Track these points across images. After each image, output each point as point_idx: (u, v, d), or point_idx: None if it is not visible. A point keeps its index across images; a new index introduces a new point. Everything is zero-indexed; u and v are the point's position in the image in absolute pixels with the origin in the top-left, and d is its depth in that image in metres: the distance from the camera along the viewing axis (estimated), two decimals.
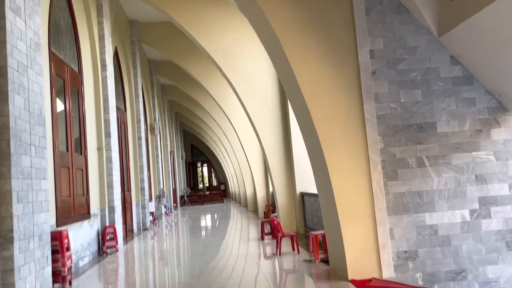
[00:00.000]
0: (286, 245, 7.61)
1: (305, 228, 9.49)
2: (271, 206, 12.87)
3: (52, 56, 6.90)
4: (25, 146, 4.96)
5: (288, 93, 5.69)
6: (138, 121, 13.85)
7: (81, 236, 7.75)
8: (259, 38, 5.82)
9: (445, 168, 5.15)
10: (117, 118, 11.28)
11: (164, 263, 7.66)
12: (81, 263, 7.60)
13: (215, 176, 43.79)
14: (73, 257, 7.23)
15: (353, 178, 5.06)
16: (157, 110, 18.35)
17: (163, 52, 13.96)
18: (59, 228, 6.52)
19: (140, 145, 13.75)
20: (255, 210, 17.71)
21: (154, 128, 17.76)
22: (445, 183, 5.13)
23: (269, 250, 7.94)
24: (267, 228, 9.28)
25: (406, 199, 5.09)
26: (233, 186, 29.34)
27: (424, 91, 5.21)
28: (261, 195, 14.35)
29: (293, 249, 7.28)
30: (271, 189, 14.16)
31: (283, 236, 7.06)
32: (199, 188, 41.14)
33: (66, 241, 6.03)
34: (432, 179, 5.13)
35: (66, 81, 7.52)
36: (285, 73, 5.45)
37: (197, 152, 41.78)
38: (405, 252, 5.03)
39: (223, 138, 22.59)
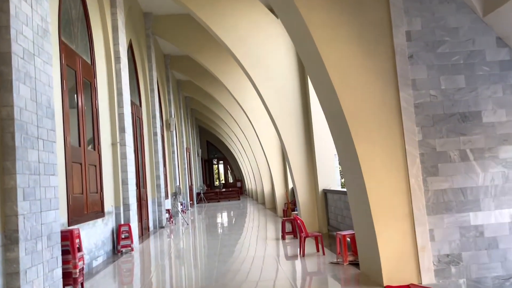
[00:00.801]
0: (309, 245, 7.15)
1: (328, 227, 9.01)
2: (291, 203, 12.41)
3: (63, 46, 6.56)
4: (32, 139, 4.61)
5: (314, 80, 5.22)
6: (154, 117, 13.53)
7: (95, 235, 7.43)
8: (280, 19, 5.36)
9: (491, 162, 4.61)
10: (132, 113, 10.96)
11: (181, 264, 7.28)
12: (94, 263, 7.27)
13: (231, 173, 43.52)
14: (86, 257, 6.91)
15: (388, 173, 4.57)
16: (172, 106, 18.04)
17: (178, 45, 13.60)
18: (70, 227, 6.18)
19: (155, 141, 13.43)
20: (273, 208, 17.27)
21: (169, 124, 17.46)
22: (491, 179, 4.60)
23: (291, 250, 7.49)
24: (288, 227, 8.83)
25: (448, 197, 4.58)
26: (250, 183, 28.95)
27: (468, 77, 4.68)
28: (279, 192, 13.90)
29: (318, 250, 6.82)
30: (290, 186, 13.70)
31: (307, 236, 6.60)
32: (215, 185, 40.90)
33: (77, 240, 5.68)
34: (477, 174, 4.60)
35: (77, 73, 7.18)
36: (310, 57, 4.98)
37: (213, 149, 41.53)
38: (447, 255, 4.52)
39: (240, 134, 22.19)
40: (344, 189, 8.03)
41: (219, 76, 13.71)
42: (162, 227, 12.95)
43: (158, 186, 13.27)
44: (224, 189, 31.14)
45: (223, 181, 42.68)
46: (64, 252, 5.42)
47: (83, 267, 5.77)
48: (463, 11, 4.72)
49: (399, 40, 4.65)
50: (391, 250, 4.53)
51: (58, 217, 5.16)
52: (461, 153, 4.62)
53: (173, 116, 17.84)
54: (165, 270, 6.87)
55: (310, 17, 4.63)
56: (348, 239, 5.83)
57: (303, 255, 6.58)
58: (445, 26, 4.71)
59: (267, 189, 17.89)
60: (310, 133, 9.42)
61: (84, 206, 6.98)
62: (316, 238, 6.82)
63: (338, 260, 5.90)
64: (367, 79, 4.63)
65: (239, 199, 27.03)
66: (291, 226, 8.67)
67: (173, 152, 17.68)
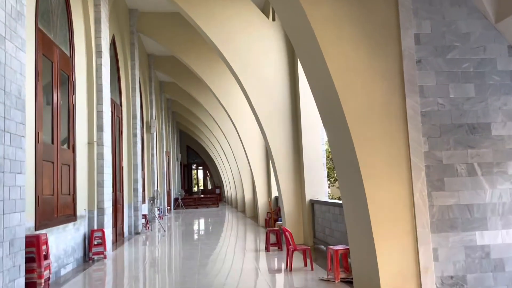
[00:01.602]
0: (296, 259, 6.73)
1: (313, 240, 8.63)
2: (274, 213, 12.00)
3: (39, 34, 6.03)
4: None
5: (314, 82, 4.85)
6: (134, 117, 12.96)
7: (65, 241, 6.84)
8: (278, 14, 4.98)
9: (500, 178, 4.32)
10: (112, 111, 10.39)
11: (158, 276, 6.76)
12: (63, 272, 6.68)
13: (210, 180, 42.84)
14: (54, 264, 6.33)
15: (391, 186, 4.21)
16: (154, 108, 17.47)
17: (164, 44, 13.10)
18: (38, 232, 5.61)
19: (135, 143, 12.85)
20: (254, 217, 16.82)
21: (150, 126, 16.86)
22: (499, 196, 4.30)
23: (277, 264, 7.06)
24: (272, 239, 8.42)
25: (454, 214, 4.25)
26: (230, 190, 28.42)
27: (478, 86, 4.39)
28: (262, 201, 13.48)
29: (305, 265, 6.42)
30: (273, 195, 13.30)
31: (295, 249, 6.19)
32: (194, 191, 40.14)
33: (44, 247, 5.14)
34: (484, 190, 4.30)
35: (54, 64, 6.64)
36: (311, 57, 4.61)
37: (192, 154, 40.81)
38: (451, 277, 4.18)
39: (222, 139, 21.71)
40: (334, 201, 7.68)
41: (204, 79, 13.26)
42: (137, 233, 12.34)
43: (136, 190, 12.67)
44: (202, 196, 30.50)
45: (202, 187, 41.96)
46: (29, 260, 4.86)
47: (49, 277, 5.22)
48: (475, 16, 4.45)
49: (407, 43, 4.33)
50: (391, 269, 4.16)
51: (24, 221, 4.62)
52: (469, 167, 4.31)
53: (154, 118, 17.26)
54: (140, 282, 6.34)
55: (314, 13, 4.27)
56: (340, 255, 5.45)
57: (290, 270, 6.16)
58: (456, 31, 4.42)
59: (248, 197, 17.44)
60: (298, 141, 9.06)
61: (54, 209, 6.40)
62: (304, 251, 6.42)
63: (329, 277, 5.51)
64: (372, 83, 4.29)
65: (218, 206, 26.47)
66: (275, 237, 8.25)
67: (152, 155, 17.07)
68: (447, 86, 4.36)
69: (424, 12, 4.40)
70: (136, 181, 12.69)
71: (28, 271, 4.81)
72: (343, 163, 4.66)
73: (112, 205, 10.04)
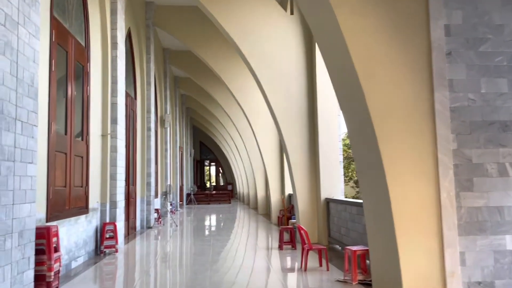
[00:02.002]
0: (310, 259, 6.53)
1: (328, 239, 8.42)
2: (287, 211, 11.80)
3: (54, 22, 5.92)
4: (8, 119, 3.97)
5: (336, 75, 4.63)
6: (148, 111, 12.88)
7: (76, 233, 6.76)
8: (300, 4, 4.76)
9: None
10: (126, 104, 10.30)
11: (169, 271, 6.63)
12: (74, 264, 6.60)
13: (223, 176, 42.81)
14: (65, 257, 6.24)
15: (417, 185, 3.99)
16: (168, 102, 17.39)
17: (180, 38, 12.98)
18: (48, 224, 5.52)
19: (149, 137, 12.77)
20: (266, 214, 16.65)
21: (164, 120, 16.79)
22: None
23: (291, 263, 6.88)
24: (286, 237, 8.24)
25: (483, 216, 4.01)
26: (242, 187, 28.30)
27: (511, 81, 4.13)
28: (275, 198, 13.29)
29: (320, 265, 6.22)
30: (287, 193, 13.11)
31: (311, 248, 5.99)
32: (206, 187, 40.15)
33: (55, 239, 5.03)
34: None
35: (69, 54, 6.54)
36: (334, 49, 4.40)
37: (205, 150, 40.81)
38: (479, 283, 3.94)
39: (236, 136, 21.57)
40: (351, 200, 7.46)
41: (220, 74, 13.11)
42: (149, 227, 12.27)
43: (148, 184, 12.60)
44: (214, 192, 30.42)
45: (214, 184, 41.95)
46: (39, 252, 4.76)
47: (59, 270, 5.11)
48: (509, 7, 4.18)
49: (437, 35, 4.09)
50: (415, 272, 3.94)
51: (34, 212, 4.51)
52: (500, 167, 4.06)
53: (168, 113, 17.18)
54: (151, 278, 6.21)
55: (338, 2, 4.06)
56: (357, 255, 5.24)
57: (305, 269, 5.96)
58: (489, 22, 4.16)
59: (260, 194, 17.27)
60: (315, 138, 8.84)
61: (66, 201, 6.31)
62: (319, 251, 6.22)
63: (346, 278, 5.30)
64: (399, 76, 4.06)
65: (229, 203, 26.36)
66: (289, 235, 8.06)
67: (166, 150, 17.01)
68: (478, 80, 4.11)
69: (455, 2, 4.15)
70: (149, 175, 12.62)
71: (38, 263, 4.71)
72: (365, 160, 4.44)
73: (125, 198, 9.96)
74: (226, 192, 28.77)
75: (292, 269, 6.26)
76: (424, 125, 4.03)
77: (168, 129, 17.38)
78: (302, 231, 6.12)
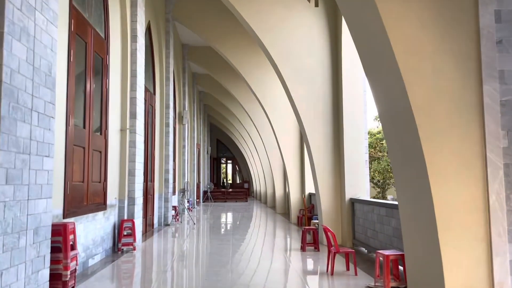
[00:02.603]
0: (337, 262, 6.20)
1: (352, 241, 8.06)
2: (308, 211, 11.46)
3: (73, 11, 5.72)
4: (23, 110, 3.76)
5: (371, 67, 4.30)
6: (167, 107, 12.70)
7: (94, 230, 6.57)
8: None
9: None
10: (145, 99, 10.13)
11: (188, 271, 6.38)
12: (91, 262, 6.41)
13: (239, 174, 42.65)
14: (82, 254, 6.05)
15: (462, 186, 3.63)
16: (186, 99, 17.22)
17: (199, 33, 12.73)
18: (65, 220, 5.32)
19: (167, 133, 12.59)
20: (285, 213, 16.35)
21: (182, 117, 16.63)
22: None
23: (315, 266, 6.56)
24: (309, 238, 7.93)
25: None
26: (258, 185, 28.03)
27: None
28: (295, 197, 12.98)
29: (347, 269, 5.88)
30: (307, 192, 12.77)
31: (338, 252, 5.67)
32: (222, 184, 40.05)
33: (71, 237, 4.82)
34: None
35: (88, 45, 6.34)
36: (371, 38, 4.06)
37: (222, 147, 40.72)
38: None
39: (254, 133, 21.29)
40: (379, 200, 7.09)
41: (239, 68, 12.83)
42: (167, 224, 12.09)
43: (166, 180, 12.43)
44: (231, 189, 30.23)
45: (230, 181, 41.81)
46: (55, 250, 4.56)
47: (75, 269, 4.91)
48: None
49: (486, 21, 3.72)
50: (459, 281, 3.59)
51: (50, 208, 4.30)
52: None
53: (186, 109, 17.01)
54: (168, 277, 5.97)
55: None
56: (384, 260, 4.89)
57: (332, 273, 5.64)
58: None
59: (279, 193, 16.96)
60: (339, 135, 8.49)
61: (84, 197, 6.12)
62: (347, 254, 5.88)
63: (377, 284, 4.96)
64: (443, 67, 3.71)
65: (246, 201, 26.12)
66: (313, 236, 7.74)
67: (184, 147, 16.84)
68: None
69: None
70: (167, 171, 12.44)
71: (54, 261, 4.51)
72: (403, 158, 4.10)
73: (143, 195, 9.79)
74: (242, 190, 28.53)
75: (317, 273, 5.94)
76: (471, 120, 3.67)
77: (186, 125, 17.21)
78: (328, 233, 5.80)
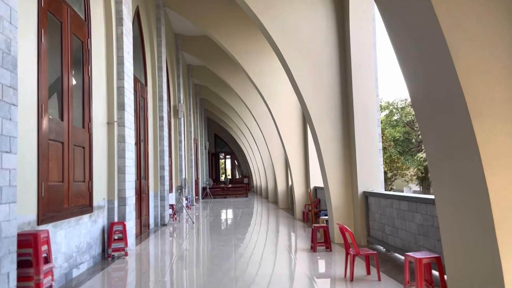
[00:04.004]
0: (356, 265, 5.46)
1: (367, 239, 7.33)
2: (314, 206, 10.72)
3: None
4: None
5: (409, 53, 3.52)
6: (161, 99, 11.90)
7: (78, 236, 5.81)
8: None
9: None
10: (135, 90, 9.34)
11: (188, 281, 5.63)
12: (75, 273, 5.65)
13: (238, 169, 41.92)
14: (65, 264, 5.29)
15: None
16: (182, 91, 16.40)
17: (193, 20, 11.91)
18: (41, 227, 4.56)
19: (161, 127, 11.80)
20: (288, 208, 15.62)
21: (178, 110, 15.83)
22: None
23: (330, 269, 5.83)
24: (319, 236, 7.20)
25: None
26: (259, 179, 27.30)
27: None
28: (299, 191, 12.23)
29: (368, 272, 5.15)
30: (312, 185, 12.03)
31: (358, 254, 4.92)
32: (221, 180, 39.31)
33: (45, 247, 4.06)
34: None
35: (64, 26, 5.54)
36: (413, 19, 3.29)
37: (220, 142, 39.92)
38: None
39: (253, 126, 20.50)
40: (400, 194, 6.34)
41: (237, 57, 12.02)
42: (164, 224, 11.35)
43: (162, 178, 11.66)
44: (231, 185, 29.50)
45: (230, 177, 41.08)
46: (23, 264, 3.80)
47: (51, 285, 4.14)
48: None
49: None
50: None
51: (15, 214, 3.53)
52: None
53: (181, 102, 16.20)
54: (166, 286, 5.22)
55: None
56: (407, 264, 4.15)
57: (351, 279, 4.90)
58: None
59: (281, 187, 16.22)
60: (349, 123, 7.73)
61: (64, 199, 5.35)
62: (367, 257, 5.14)
63: None
64: (510, 52, 2.94)
65: (247, 196, 25.41)
66: (324, 235, 7.00)
67: (180, 142, 16.06)
68: None
69: None
70: (162, 168, 11.68)
71: (22, 278, 3.76)
72: (444, 143, 3.34)
73: (136, 194, 9.03)
74: (242, 186, 27.82)
75: (334, 278, 5.20)
76: None
77: (182, 119, 16.42)
78: (346, 233, 5.05)
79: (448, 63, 2.96)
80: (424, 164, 34.78)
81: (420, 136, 34.77)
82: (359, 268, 5.32)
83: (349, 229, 4.98)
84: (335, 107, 7.77)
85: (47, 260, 4.08)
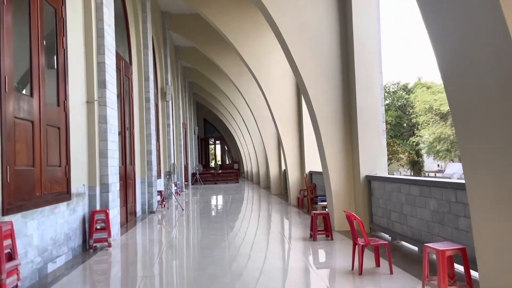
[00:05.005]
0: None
1: (369, 226, 6.84)
2: (311, 191, 10.22)
3: None
4: None
5: (445, 35, 2.95)
6: (147, 79, 11.20)
7: (54, 226, 5.21)
8: None
9: None
10: (119, 69, 8.65)
11: (179, 273, 5.09)
12: (51, 267, 5.06)
13: (228, 154, 41.35)
14: (38, 259, 4.71)
15: None
16: (169, 73, 15.66)
17: None
18: (7, 218, 3.94)
19: (148, 109, 11.13)
20: (281, 194, 15.14)
21: (165, 93, 15.12)
22: None
23: (333, 260, 5.33)
24: (319, 224, 6.70)
25: None
26: (250, 165, 26.78)
27: None
28: (294, 176, 11.73)
29: (377, 265, 4.65)
30: (307, 170, 11.52)
31: (368, 244, 4.41)
32: (211, 165, 38.74)
33: (7, 242, 3.46)
34: None
35: None
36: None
37: (210, 127, 39.22)
38: None
39: (244, 109, 19.82)
40: (411, 177, 5.84)
41: (229, 36, 11.33)
42: (152, 212, 10.77)
43: (149, 163, 11.04)
44: (221, 171, 28.93)
45: (220, 162, 40.52)
46: None
47: (17, 285, 3.56)
48: None
49: None
50: None
51: None
52: None
53: (169, 85, 15.48)
54: (155, 280, 4.67)
55: None
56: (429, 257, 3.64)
57: (360, 272, 4.39)
58: None
59: (273, 172, 15.69)
60: (351, 102, 7.17)
61: (36, 185, 4.73)
62: (376, 248, 4.63)
63: None
64: None
65: (237, 182, 24.90)
66: (324, 222, 6.50)
67: (168, 126, 15.39)
68: None
69: None
70: (150, 152, 11.04)
71: None
72: (480, 120, 2.80)
73: (121, 180, 8.41)
74: (233, 171, 27.28)
75: (341, 271, 4.69)
76: None
77: (170, 102, 15.72)
78: (354, 221, 4.53)
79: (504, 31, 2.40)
80: (416, 148, 34.62)
81: (412, 120, 34.47)
82: (367, 259, 4.81)
83: (357, 217, 4.45)
84: (335, 86, 7.19)
85: (11, 256, 3.49)
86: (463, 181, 4.43)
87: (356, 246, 4.58)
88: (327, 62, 7.19)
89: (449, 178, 29.94)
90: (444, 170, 37.13)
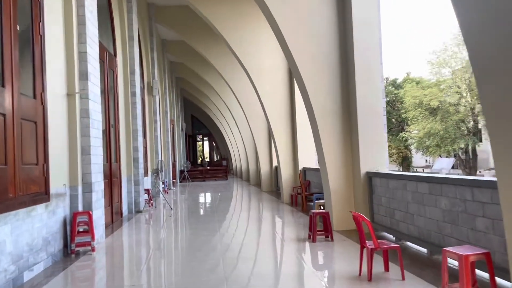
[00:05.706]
0: (366, 259, 4.60)
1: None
2: (305, 188, 9.84)
3: None
4: None
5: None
6: (133, 72, 10.69)
7: (30, 231, 4.72)
8: None
9: None
10: (102, 60, 8.13)
11: (168, 280, 4.65)
12: (27, 276, 4.59)
13: (217, 151, 40.85)
14: (12, 267, 4.23)
15: None
16: (156, 68, 15.11)
17: None
18: None
19: (134, 103, 10.62)
20: (272, 191, 14.75)
21: (152, 87, 14.59)
22: None
23: (337, 264, 4.95)
24: (318, 224, 6.32)
25: None
26: (239, 161, 26.35)
27: None
28: (287, 173, 11.34)
29: (386, 269, 4.29)
30: (301, 166, 11.15)
31: (377, 248, 4.03)
32: (198, 163, 38.20)
33: None
34: None
35: None
36: None
37: (198, 124, 38.66)
38: None
39: (234, 104, 19.35)
40: (418, 174, 5.49)
41: (217, 25, 10.87)
42: (139, 211, 10.29)
43: (136, 160, 10.54)
44: (209, 168, 28.44)
45: (208, 159, 40.00)
46: None
47: None
48: None
49: None
50: None
51: None
52: None
53: (156, 79, 14.94)
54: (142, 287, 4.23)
55: None
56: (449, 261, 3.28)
57: (369, 278, 4.02)
58: None
59: (264, 168, 15.29)
60: (349, 94, 6.80)
61: (8, 186, 4.24)
62: (385, 252, 4.26)
63: None
64: None
65: (226, 179, 24.45)
66: (323, 222, 6.13)
67: (155, 122, 14.87)
68: None
69: None
70: (136, 149, 10.54)
71: None
72: None
73: (106, 178, 7.92)
74: (222, 168, 26.81)
75: (348, 276, 4.31)
76: None
77: (157, 97, 15.19)
78: (363, 222, 4.15)
79: None
80: (406, 144, 34.58)
81: (401, 116, 34.40)
82: (374, 263, 4.44)
83: (365, 218, 4.07)
84: (333, 78, 6.81)
85: None
86: (479, 178, 4.09)
87: (364, 249, 4.20)
88: (325, 53, 6.80)
89: (437, 173, 29.98)
90: (432, 166, 37.22)
